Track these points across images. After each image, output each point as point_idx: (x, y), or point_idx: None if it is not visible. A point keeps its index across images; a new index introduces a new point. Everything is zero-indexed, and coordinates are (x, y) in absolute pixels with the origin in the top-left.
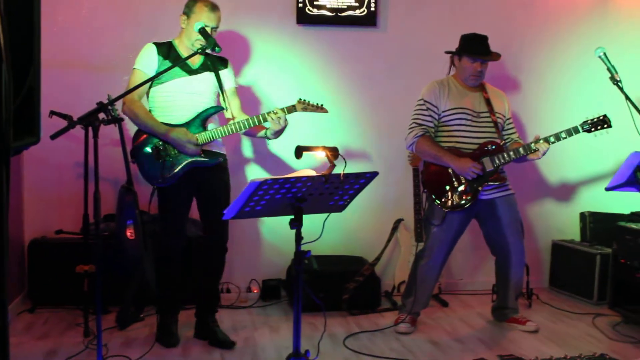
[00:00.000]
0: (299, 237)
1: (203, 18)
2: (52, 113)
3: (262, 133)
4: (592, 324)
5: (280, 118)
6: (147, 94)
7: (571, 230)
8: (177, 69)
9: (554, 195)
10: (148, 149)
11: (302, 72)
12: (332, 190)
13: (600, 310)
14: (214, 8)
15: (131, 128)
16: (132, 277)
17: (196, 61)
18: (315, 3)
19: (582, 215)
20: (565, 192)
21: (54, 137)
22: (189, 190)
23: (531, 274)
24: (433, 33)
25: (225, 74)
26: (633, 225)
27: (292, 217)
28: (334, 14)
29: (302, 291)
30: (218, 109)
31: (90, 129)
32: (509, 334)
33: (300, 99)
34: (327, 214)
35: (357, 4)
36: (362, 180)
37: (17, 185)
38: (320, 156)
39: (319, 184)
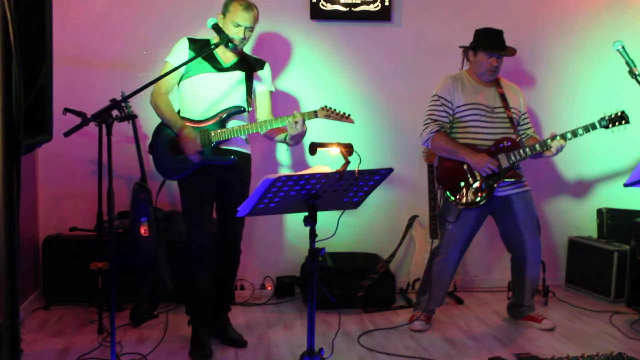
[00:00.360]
0: (313, 234)
1: (238, 17)
2: (66, 110)
3: (280, 137)
4: (609, 321)
5: (297, 123)
6: (178, 86)
7: (588, 227)
8: (206, 65)
9: (570, 192)
10: (165, 141)
11: (316, 67)
12: (347, 187)
13: (617, 308)
14: (249, 7)
15: (145, 125)
16: (146, 275)
17: (229, 59)
18: None
19: (599, 211)
20: (582, 188)
21: (67, 134)
22: (210, 188)
23: (548, 271)
24: (448, 27)
25: (261, 75)
26: None
27: (306, 214)
28: (348, 8)
29: (316, 288)
30: (239, 109)
31: (104, 125)
32: (525, 331)
33: (325, 106)
34: (341, 211)
35: None
36: (376, 176)
37: (31, 183)
38: (335, 152)
39: (333, 181)
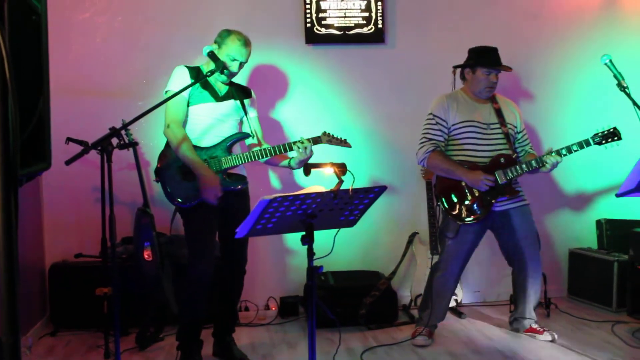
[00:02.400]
0: (310, 253)
1: (234, 51)
2: (69, 140)
3: (285, 162)
4: (611, 331)
5: (306, 148)
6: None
7: (588, 238)
8: (206, 94)
9: (569, 204)
10: (174, 170)
11: (312, 90)
12: (342, 206)
13: (619, 318)
14: (247, 44)
15: (147, 152)
16: (151, 298)
17: (222, 88)
18: (323, 22)
19: (599, 222)
20: (581, 200)
21: (68, 162)
22: (216, 215)
23: (550, 283)
24: (441, 47)
25: (251, 102)
26: None
27: (304, 233)
28: (342, 32)
29: (316, 306)
30: (244, 135)
31: (105, 153)
32: (527, 344)
33: (325, 132)
34: (337, 230)
35: (364, 22)
36: (371, 194)
37: (36, 211)
38: (329, 172)
39: (328, 200)
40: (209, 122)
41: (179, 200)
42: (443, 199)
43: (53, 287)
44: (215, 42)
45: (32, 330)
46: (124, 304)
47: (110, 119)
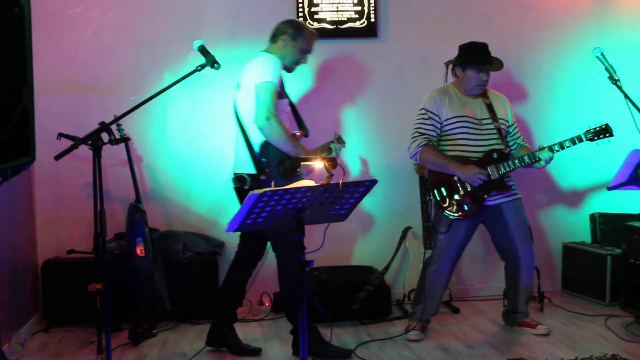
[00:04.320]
0: (301, 247)
1: (309, 44)
2: (60, 135)
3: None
4: (604, 325)
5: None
6: None
7: (582, 232)
8: (285, 90)
9: (563, 197)
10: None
11: (305, 84)
12: (333, 200)
13: (612, 312)
14: (317, 36)
15: (138, 147)
16: (143, 294)
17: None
18: (316, 17)
19: (592, 216)
20: (575, 194)
21: (58, 157)
22: None
23: (543, 277)
24: (434, 41)
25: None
26: None
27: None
28: (335, 26)
29: (307, 301)
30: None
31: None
32: (520, 337)
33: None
34: (327, 224)
35: (357, 16)
36: (361, 188)
37: (29, 207)
38: (319, 167)
39: (318, 194)
40: (285, 118)
41: None
42: (435, 193)
43: (46, 284)
44: (286, 33)
45: (24, 327)
46: (117, 300)
47: (103, 114)
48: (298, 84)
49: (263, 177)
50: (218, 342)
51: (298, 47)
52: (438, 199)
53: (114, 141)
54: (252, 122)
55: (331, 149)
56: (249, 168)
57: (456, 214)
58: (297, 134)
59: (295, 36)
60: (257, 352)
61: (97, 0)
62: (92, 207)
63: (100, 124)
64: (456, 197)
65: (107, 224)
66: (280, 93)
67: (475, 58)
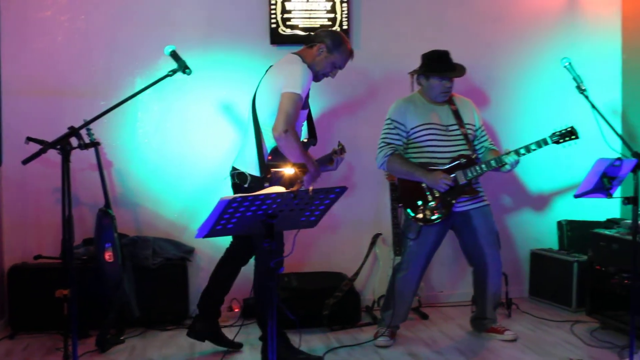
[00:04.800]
0: (270, 253)
1: (343, 62)
2: (29, 139)
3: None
4: (570, 331)
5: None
6: None
7: (549, 239)
8: (307, 100)
9: (531, 205)
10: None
11: None
12: (303, 206)
13: (579, 318)
14: (352, 55)
15: (108, 152)
16: (112, 300)
17: None
18: (288, 23)
19: (559, 223)
20: (543, 201)
21: (26, 162)
22: None
23: (511, 284)
24: (406, 48)
25: None
26: (606, 232)
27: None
28: (307, 33)
29: (276, 307)
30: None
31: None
32: (488, 343)
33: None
34: (297, 230)
35: (330, 23)
36: (332, 195)
37: None
38: (289, 173)
39: (288, 200)
40: (299, 126)
41: None
42: (405, 201)
43: (12, 290)
44: (323, 42)
45: None
46: (85, 306)
47: (73, 118)
48: None
49: (267, 184)
50: (201, 335)
51: (331, 60)
52: (407, 206)
53: (83, 146)
54: (269, 125)
55: (332, 160)
56: (253, 169)
57: (425, 221)
58: (305, 141)
59: (332, 49)
60: (239, 346)
61: (68, 4)
62: (60, 212)
63: (69, 128)
64: (424, 203)
65: (75, 230)
66: (304, 104)
67: (437, 66)
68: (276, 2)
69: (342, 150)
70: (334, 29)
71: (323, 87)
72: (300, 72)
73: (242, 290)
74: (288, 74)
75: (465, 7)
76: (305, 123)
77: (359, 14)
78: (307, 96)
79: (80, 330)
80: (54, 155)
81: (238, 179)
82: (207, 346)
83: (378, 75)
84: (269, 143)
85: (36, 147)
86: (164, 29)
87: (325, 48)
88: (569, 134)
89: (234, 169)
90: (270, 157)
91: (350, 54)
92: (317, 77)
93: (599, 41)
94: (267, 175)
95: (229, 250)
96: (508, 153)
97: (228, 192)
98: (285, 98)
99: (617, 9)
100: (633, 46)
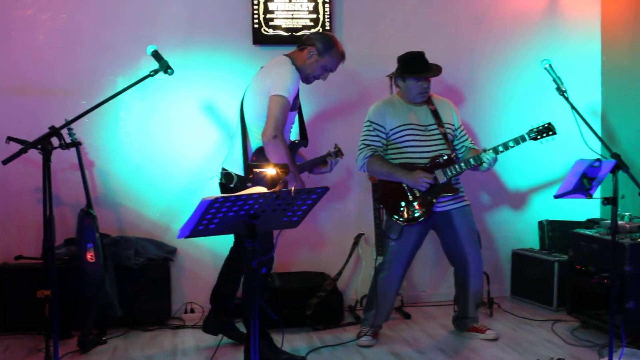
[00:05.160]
0: (253, 254)
1: (334, 65)
2: (9, 139)
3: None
4: (551, 330)
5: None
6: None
7: (530, 239)
8: (296, 102)
9: (512, 205)
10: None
11: None
12: (285, 207)
13: (559, 317)
14: (344, 58)
15: (90, 152)
16: (93, 301)
17: None
18: (271, 23)
19: (541, 223)
20: (524, 201)
21: (6, 161)
22: None
23: (493, 284)
24: (388, 48)
25: None
26: (587, 232)
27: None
28: (290, 33)
29: (259, 307)
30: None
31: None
32: (470, 342)
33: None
34: (279, 230)
35: (312, 24)
36: (314, 195)
37: None
38: (271, 173)
39: (270, 201)
40: (289, 129)
41: None
42: (386, 202)
43: None
44: (314, 46)
45: None
46: (67, 307)
47: (54, 118)
48: None
49: (249, 185)
50: (215, 329)
51: (322, 63)
52: (388, 206)
53: (64, 145)
54: (256, 127)
55: (326, 162)
56: (238, 169)
57: (406, 220)
58: (296, 142)
59: (323, 52)
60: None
61: (49, 2)
62: (42, 212)
63: (50, 128)
64: (405, 203)
65: (56, 230)
66: (292, 105)
67: (413, 67)
68: (259, 2)
69: (337, 152)
70: (323, 31)
71: (306, 90)
72: (289, 76)
73: None
74: (276, 76)
75: (448, 7)
76: (297, 123)
77: (341, 15)
78: (297, 97)
79: (62, 331)
80: (35, 154)
81: (225, 178)
82: (190, 343)
83: (361, 74)
84: (254, 144)
85: (17, 147)
86: (146, 28)
87: (316, 51)
88: (547, 130)
89: (223, 169)
90: (254, 158)
91: (341, 57)
92: (307, 80)
93: (578, 43)
94: (250, 175)
95: (233, 247)
96: (486, 151)
97: (211, 192)
98: (273, 102)
99: (597, 11)
100: (612, 48)
